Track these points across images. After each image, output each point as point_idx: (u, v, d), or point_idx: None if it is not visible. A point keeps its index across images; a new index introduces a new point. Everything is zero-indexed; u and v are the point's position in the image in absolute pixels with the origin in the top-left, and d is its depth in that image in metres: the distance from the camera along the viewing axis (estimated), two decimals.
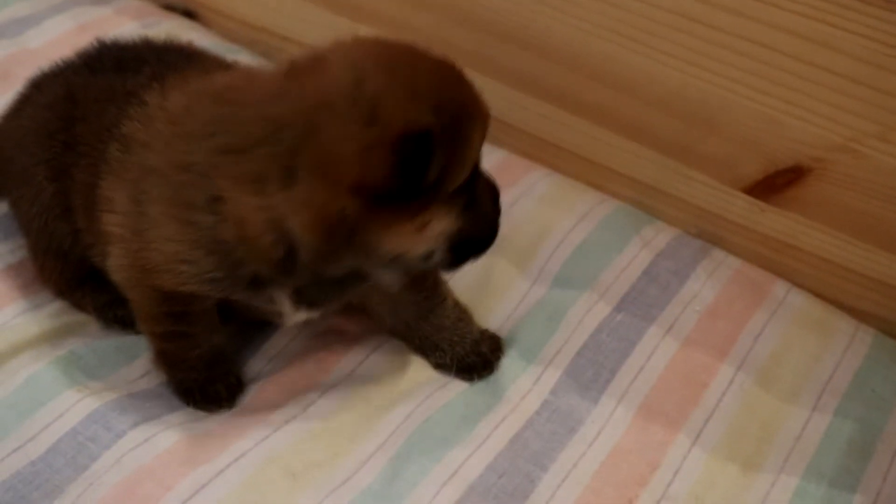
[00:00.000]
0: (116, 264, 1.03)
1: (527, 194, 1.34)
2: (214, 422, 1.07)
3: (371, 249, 0.92)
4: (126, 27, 1.53)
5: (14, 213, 1.21)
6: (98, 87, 1.11)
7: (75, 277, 1.17)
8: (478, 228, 0.98)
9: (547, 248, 1.27)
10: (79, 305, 1.19)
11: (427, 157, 0.87)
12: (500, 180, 1.34)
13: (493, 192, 1.01)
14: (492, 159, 1.39)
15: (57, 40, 1.50)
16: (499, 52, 1.41)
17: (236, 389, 1.10)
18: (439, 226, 0.93)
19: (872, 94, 1.12)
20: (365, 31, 1.49)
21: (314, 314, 1.07)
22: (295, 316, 1.06)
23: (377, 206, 0.88)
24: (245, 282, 0.97)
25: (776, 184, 1.25)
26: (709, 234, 1.33)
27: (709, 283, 1.24)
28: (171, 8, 1.72)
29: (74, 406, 1.05)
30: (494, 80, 1.44)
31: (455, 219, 0.94)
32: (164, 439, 1.03)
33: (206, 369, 1.08)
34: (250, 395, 1.11)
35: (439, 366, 1.14)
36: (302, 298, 1.02)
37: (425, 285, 1.11)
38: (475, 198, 0.97)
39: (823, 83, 1.15)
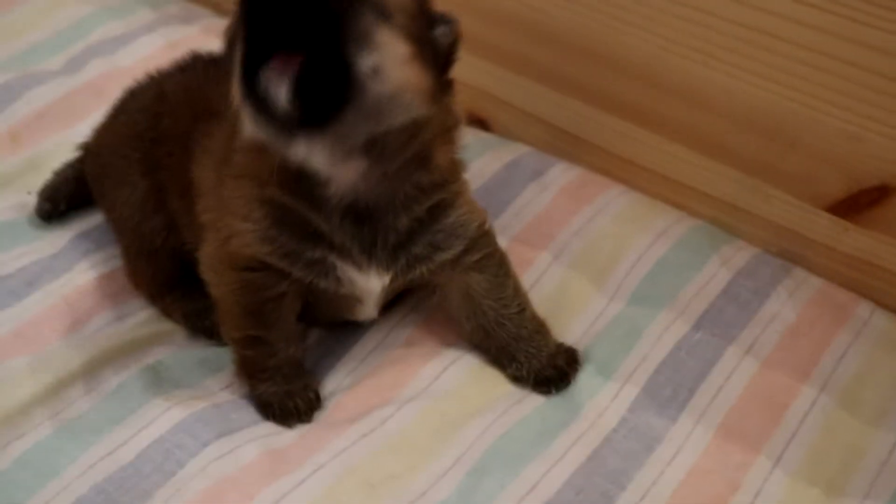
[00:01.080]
0: (205, 252, 1.08)
1: (603, 211, 1.34)
2: (295, 434, 1.09)
3: None
4: (211, 45, 1.56)
5: (109, 220, 1.27)
6: (187, 83, 1.18)
7: (166, 282, 1.22)
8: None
9: (624, 264, 1.27)
10: (167, 312, 1.23)
11: None
12: (576, 197, 1.36)
13: None
14: (568, 176, 1.40)
15: (147, 58, 1.56)
16: (575, 69, 1.41)
17: (314, 405, 1.12)
18: None
19: None
20: None
21: (385, 279, 1.05)
22: (367, 284, 1.05)
23: None
24: (299, 234, 1.00)
25: (860, 202, 1.22)
26: (790, 253, 1.31)
27: (790, 302, 1.22)
28: None
29: (162, 415, 1.09)
30: (571, 97, 1.44)
31: None
32: (246, 451, 1.06)
33: (284, 382, 1.11)
34: (329, 409, 1.13)
35: (516, 378, 1.14)
36: (365, 254, 1.02)
37: (505, 292, 1.12)
38: None
39: None
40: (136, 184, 1.19)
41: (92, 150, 1.29)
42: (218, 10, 1.84)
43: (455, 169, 1.07)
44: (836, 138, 1.21)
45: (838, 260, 1.27)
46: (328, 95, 0.86)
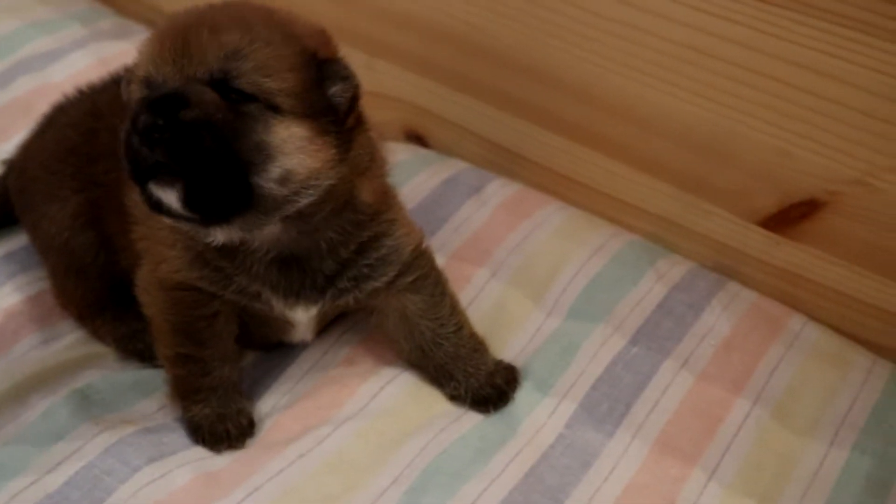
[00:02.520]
0: (140, 275, 1.07)
1: (541, 227, 1.35)
2: (229, 457, 1.07)
3: None
4: None
5: (34, 238, 1.24)
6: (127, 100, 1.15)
7: (96, 302, 1.19)
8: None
9: (562, 280, 1.28)
10: (97, 335, 1.20)
11: None
12: (514, 213, 1.37)
13: (134, 109, 0.89)
14: (506, 192, 1.41)
15: (78, 74, 1.53)
16: (513, 85, 1.42)
17: (246, 431, 1.10)
18: None
19: (886, 128, 1.12)
20: (383, 65, 1.53)
21: (313, 310, 1.07)
22: (295, 315, 1.07)
23: None
24: (226, 267, 1.01)
25: (791, 217, 1.25)
26: (724, 266, 1.32)
27: (724, 316, 1.24)
28: None
29: (91, 440, 1.06)
30: (509, 113, 1.45)
31: None
32: (179, 475, 1.03)
33: (218, 405, 1.09)
34: (266, 429, 1.11)
35: (454, 397, 1.14)
36: (292, 295, 1.03)
37: (441, 311, 1.12)
38: None
39: (837, 117, 1.15)
40: (66, 199, 1.16)
41: (17, 166, 1.26)
42: (151, 25, 1.82)
43: (384, 198, 1.07)
44: (767, 154, 1.23)
45: (771, 273, 1.29)
46: (224, 205, 0.90)
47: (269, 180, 0.91)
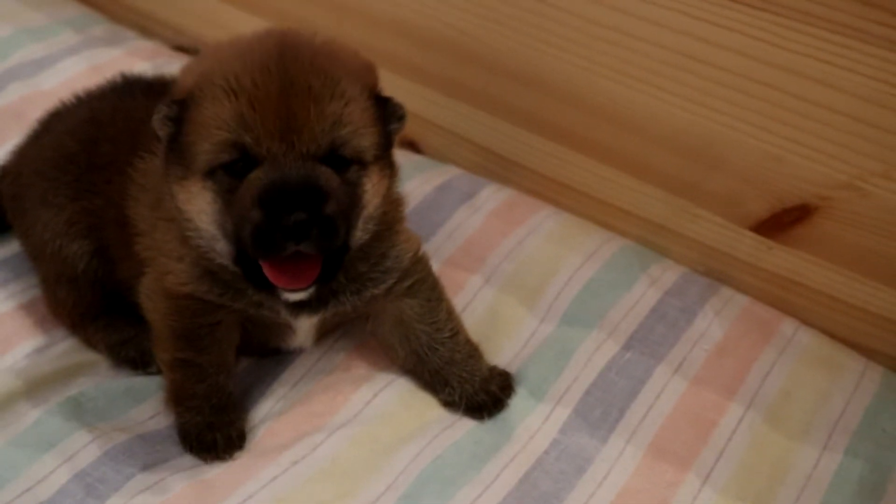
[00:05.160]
0: (145, 283, 1.07)
1: (534, 233, 1.35)
2: (223, 464, 1.07)
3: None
4: (138, 67, 1.54)
5: (25, 245, 1.23)
6: (129, 109, 1.16)
7: (88, 311, 1.18)
8: (236, 224, 0.93)
9: (555, 286, 1.28)
10: (90, 343, 1.20)
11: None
12: (507, 219, 1.37)
13: (263, 195, 0.90)
14: (498, 198, 1.41)
15: (70, 81, 1.53)
16: (505, 92, 1.42)
17: (234, 444, 1.09)
18: (195, 202, 0.96)
19: (876, 133, 1.13)
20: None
21: (315, 319, 1.08)
22: (298, 323, 1.08)
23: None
24: (225, 277, 1.01)
25: (782, 222, 1.25)
26: (716, 272, 1.33)
27: (717, 321, 1.24)
28: (181, 49, 1.75)
29: (84, 448, 1.05)
30: (501, 119, 1.45)
31: (211, 201, 0.95)
32: (172, 483, 1.03)
33: (211, 413, 1.09)
34: (260, 435, 1.11)
35: (448, 403, 1.14)
36: (297, 308, 1.04)
37: (437, 316, 1.12)
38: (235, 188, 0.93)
39: (828, 122, 1.16)
40: (62, 206, 1.16)
41: (11, 171, 1.25)
42: (144, 32, 1.82)
43: (396, 209, 1.09)
44: (758, 159, 1.23)
45: (763, 278, 1.30)
46: (335, 270, 0.97)
47: (358, 231, 0.98)
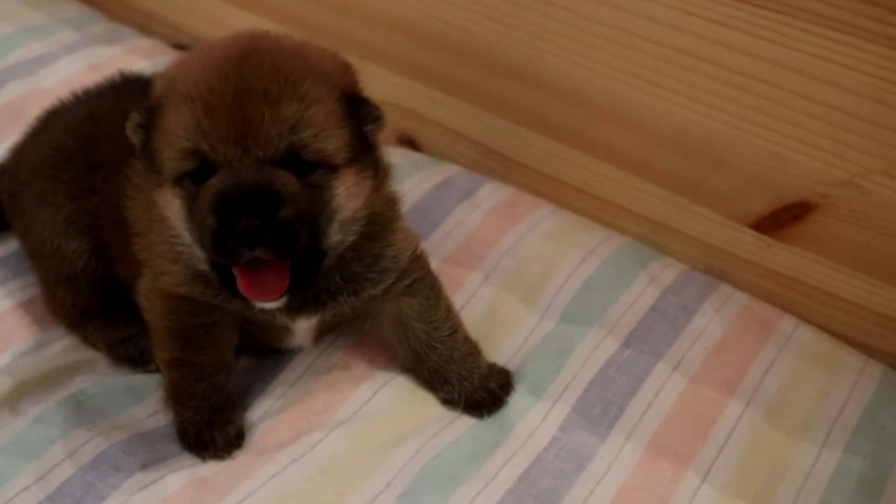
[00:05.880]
0: (142, 284, 1.07)
1: (533, 230, 1.35)
2: (222, 462, 1.07)
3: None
4: (137, 66, 1.55)
5: (24, 244, 1.23)
6: (127, 108, 1.14)
7: (87, 309, 1.18)
8: (198, 230, 0.92)
9: (554, 283, 1.28)
10: (89, 341, 1.20)
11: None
12: (506, 216, 1.37)
13: (216, 201, 0.89)
14: (499, 196, 1.41)
15: (68, 79, 1.52)
16: (504, 90, 1.42)
17: (233, 443, 1.09)
18: (170, 209, 0.95)
19: (876, 131, 1.13)
20: (375, 69, 1.53)
21: (313, 320, 1.08)
22: (295, 325, 1.08)
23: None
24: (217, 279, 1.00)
25: (782, 219, 1.25)
26: (716, 269, 1.33)
27: (716, 318, 1.24)
28: (180, 47, 1.74)
29: (83, 446, 1.05)
30: (501, 117, 1.45)
31: (180, 208, 0.94)
32: (172, 481, 1.03)
33: (210, 412, 1.08)
34: (259, 434, 1.11)
35: (447, 401, 1.14)
36: (294, 309, 1.04)
37: (436, 314, 1.12)
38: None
39: (828, 120, 1.16)
40: (60, 205, 1.16)
41: (9, 169, 1.25)
42: (144, 30, 1.82)
43: (392, 206, 1.08)
44: (758, 157, 1.23)
45: (762, 276, 1.30)
46: (309, 275, 0.95)
47: (331, 236, 0.95)
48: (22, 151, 1.24)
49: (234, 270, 0.93)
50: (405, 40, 1.49)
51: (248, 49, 0.93)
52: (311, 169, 0.92)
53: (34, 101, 1.41)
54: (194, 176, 0.92)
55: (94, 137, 1.16)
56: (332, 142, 0.92)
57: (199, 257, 0.97)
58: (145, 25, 1.82)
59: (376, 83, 1.43)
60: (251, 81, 0.90)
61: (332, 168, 0.93)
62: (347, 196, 0.95)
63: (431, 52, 1.47)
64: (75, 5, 1.81)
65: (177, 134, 0.91)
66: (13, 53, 1.62)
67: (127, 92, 1.20)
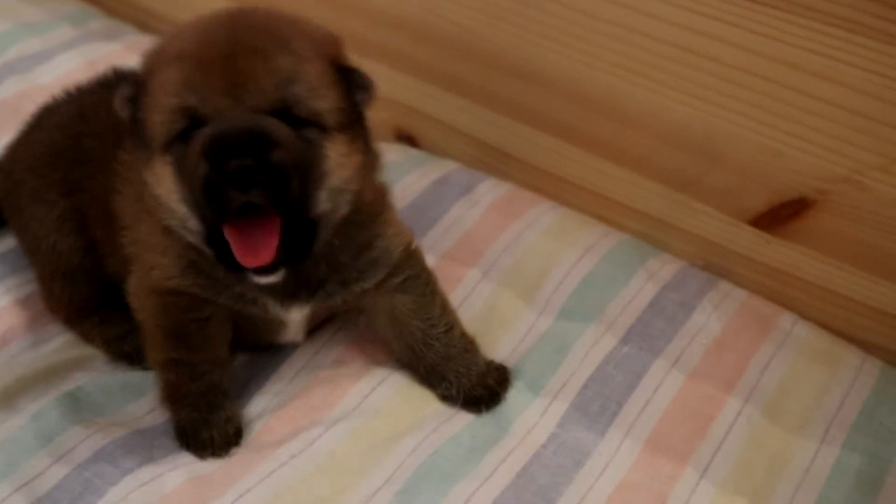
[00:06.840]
0: (131, 282, 1.06)
1: (532, 227, 1.35)
2: (220, 460, 1.07)
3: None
4: (135, 62, 1.54)
5: (21, 241, 1.23)
6: (110, 102, 1.13)
7: (84, 306, 1.18)
8: (189, 186, 0.89)
9: (553, 279, 1.28)
10: (87, 337, 1.20)
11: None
12: (505, 213, 1.37)
13: (206, 146, 0.86)
14: (497, 192, 1.41)
15: (67, 76, 1.52)
16: (503, 86, 1.42)
17: (231, 440, 1.08)
18: (162, 183, 0.93)
19: (875, 127, 1.13)
20: (374, 66, 1.53)
21: (305, 310, 1.07)
22: (288, 315, 1.06)
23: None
24: (208, 269, 1.00)
25: (781, 215, 1.25)
26: (715, 265, 1.33)
27: (715, 315, 1.24)
28: None
29: (81, 443, 1.05)
30: (499, 113, 1.45)
31: (173, 176, 0.91)
32: (170, 479, 1.03)
33: (207, 410, 1.08)
34: (257, 431, 1.11)
35: (445, 398, 1.14)
36: (287, 297, 1.03)
37: (431, 311, 1.12)
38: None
39: (827, 116, 1.15)
40: (54, 202, 1.15)
41: (5, 168, 1.25)
42: (142, 26, 1.82)
43: (381, 197, 1.07)
44: (757, 153, 1.23)
45: (761, 272, 1.30)
46: (308, 241, 0.93)
47: (321, 202, 0.92)
48: (16, 149, 1.24)
49: (226, 231, 0.90)
50: (404, 36, 1.49)
51: (238, 13, 0.93)
52: (303, 125, 0.89)
53: (32, 97, 1.41)
54: (184, 136, 0.89)
55: (81, 134, 1.15)
56: (325, 102, 0.90)
57: (193, 232, 0.94)
58: (143, 22, 1.82)
59: (375, 79, 1.44)
60: (244, 37, 0.88)
61: (324, 129, 0.91)
62: (338, 162, 0.92)
63: (430, 48, 1.46)
64: (73, 2, 1.81)
65: (166, 92, 0.88)
66: (11, 50, 1.61)
67: (116, 87, 1.19)
